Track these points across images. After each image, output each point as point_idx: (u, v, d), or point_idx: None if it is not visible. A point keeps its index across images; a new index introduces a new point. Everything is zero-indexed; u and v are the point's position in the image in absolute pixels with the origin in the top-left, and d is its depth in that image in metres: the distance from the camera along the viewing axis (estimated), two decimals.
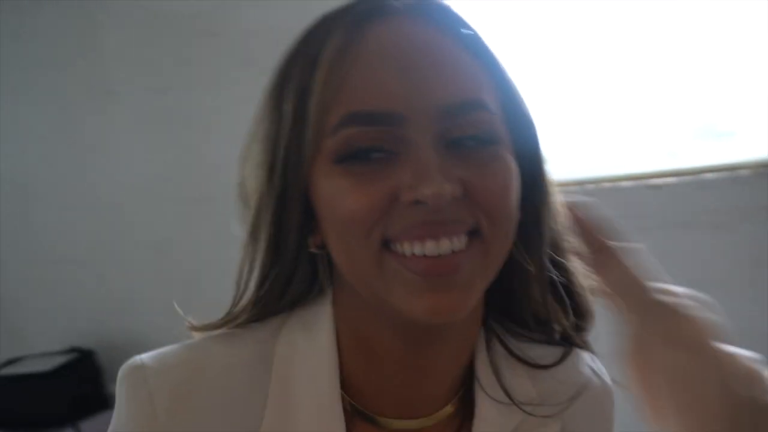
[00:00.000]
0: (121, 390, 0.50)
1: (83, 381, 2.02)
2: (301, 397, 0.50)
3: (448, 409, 0.53)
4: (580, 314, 0.56)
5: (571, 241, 0.54)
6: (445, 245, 0.44)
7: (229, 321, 0.52)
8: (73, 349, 2.07)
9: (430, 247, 0.44)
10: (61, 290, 2.19)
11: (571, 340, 0.57)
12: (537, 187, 0.50)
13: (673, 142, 1.96)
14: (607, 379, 0.60)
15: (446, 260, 0.44)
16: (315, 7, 0.50)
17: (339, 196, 0.45)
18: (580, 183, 1.86)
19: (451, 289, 0.44)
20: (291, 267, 0.50)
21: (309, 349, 0.51)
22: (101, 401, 2.03)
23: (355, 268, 0.47)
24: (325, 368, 0.50)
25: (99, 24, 2.11)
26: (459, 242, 0.44)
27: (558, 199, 0.53)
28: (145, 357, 0.50)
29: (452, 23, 0.47)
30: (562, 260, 0.53)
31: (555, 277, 0.53)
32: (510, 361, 0.54)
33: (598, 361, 0.61)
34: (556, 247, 0.53)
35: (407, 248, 0.44)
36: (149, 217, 2.13)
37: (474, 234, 0.45)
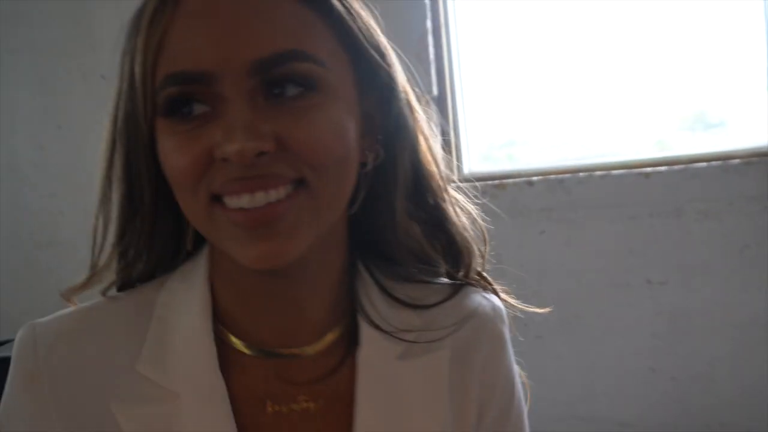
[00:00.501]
0: (14, 347, 0.53)
1: None
2: (176, 332, 0.53)
3: (329, 337, 0.55)
4: (457, 251, 0.58)
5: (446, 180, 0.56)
6: (260, 197, 0.45)
7: (92, 278, 0.55)
8: None
9: (245, 200, 0.45)
10: (47, 274, 2.17)
11: (458, 278, 0.59)
12: (394, 129, 0.52)
13: (664, 131, 1.98)
14: (498, 302, 0.62)
15: (264, 211, 0.45)
16: None
17: (168, 153, 0.47)
18: (573, 171, 1.88)
19: (273, 238, 0.46)
20: (150, 221, 0.52)
21: (185, 292, 0.54)
22: None
23: (193, 220, 0.50)
24: (197, 303, 0.53)
25: (93, 8, 2.11)
26: (276, 194, 0.45)
27: (430, 143, 0.55)
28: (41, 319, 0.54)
29: None
30: (434, 200, 0.55)
31: (426, 216, 0.56)
32: (380, 291, 0.57)
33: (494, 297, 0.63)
34: (426, 188, 0.55)
35: (228, 202, 0.46)
36: None
37: (300, 183, 0.46)
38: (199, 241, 0.56)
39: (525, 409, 0.63)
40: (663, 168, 1.84)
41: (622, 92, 1.94)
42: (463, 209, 0.59)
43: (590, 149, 1.94)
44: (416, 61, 2.00)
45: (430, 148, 0.55)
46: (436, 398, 0.55)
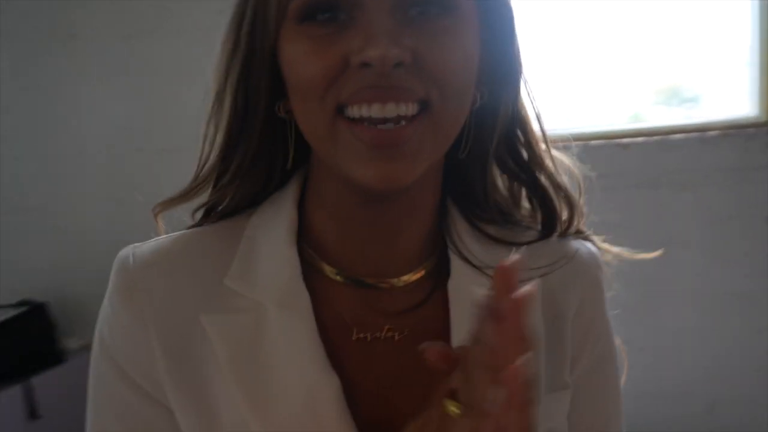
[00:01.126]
0: (114, 264, 0.55)
1: (35, 335, 1.93)
2: (263, 248, 0.53)
3: (420, 270, 0.54)
4: (552, 208, 0.57)
5: (546, 136, 0.55)
6: (391, 108, 0.45)
7: (193, 189, 0.55)
8: (23, 302, 1.97)
9: (375, 109, 0.45)
10: (13, 240, 2.10)
11: (551, 230, 0.58)
12: (505, 72, 0.51)
13: (639, 105, 1.98)
14: (595, 250, 0.60)
15: (393, 132, 0.45)
16: None
17: (297, 59, 0.46)
18: (552, 141, 1.87)
19: (397, 159, 0.46)
20: (258, 138, 0.52)
21: (275, 213, 0.54)
22: (54, 356, 1.94)
23: (312, 133, 0.49)
24: (284, 224, 0.53)
25: None
26: (406, 108, 0.45)
27: (533, 96, 0.54)
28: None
29: None
30: (530, 153, 0.55)
31: (519, 170, 0.55)
32: (482, 236, 0.57)
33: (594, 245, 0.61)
34: (523, 139, 0.54)
35: (356, 111, 0.45)
36: (111, 168, 2.06)
37: (424, 105, 0.46)
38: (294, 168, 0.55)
39: (621, 375, 0.62)
40: (641, 139, 1.85)
41: (599, 65, 1.93)
42: (560, 165, 0.57)
43: (568, 120, 1.93)
44: None
45: (532, 101, 0.55)
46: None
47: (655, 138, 1.84)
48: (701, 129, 1.82)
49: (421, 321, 0.53)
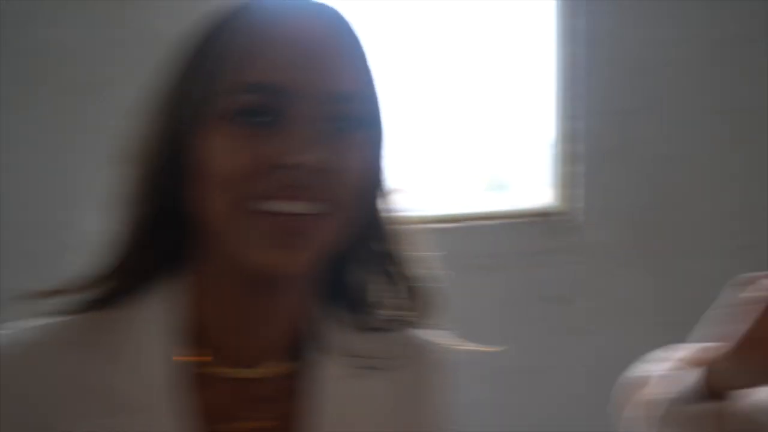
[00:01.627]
0: None
1: None
2: (145, 349, 0.55)
3: (292, 358, 0.59)
4: (414, 297, 0.62)
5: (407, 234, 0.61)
6: (299, 206, 0.51)
7: (82, 287, 0.56)
8: None
9: (286, 206, 0.50)
10: None
11: (405, 322, 0.64)
12: (376, 182, 0.58)
13: (461, 191, 2.07)
14: (444, 341, 0.66)
15: (297, 223, 0.51)
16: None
17: (220, 153, 0.51)
18: None
19: (293, 247, 0.51)
20: (158, 235, 0.55)
21: (161, 310, 0.56)
22: None
23: (219, 224, 0.52)
24: (168, 320, 0.56)
25: None
26: (311, 207, 0.51)
27: (395, 195, 0.60)
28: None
29: (346, 23, 0.55)
30: (396, 251, 0.60)
31: (387, 266, 0.61)
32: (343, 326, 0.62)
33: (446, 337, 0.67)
34: (390, 239, 0.60)
35: (268, 206, 0.50)
36: None
37: (328, 206, 0.52)
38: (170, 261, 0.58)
39: None
40: (450, 224, 1.90)
41: (421, 152, 2.00)
42: (418, 259, 0.62)
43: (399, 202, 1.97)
44: None
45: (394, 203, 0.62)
46: (381, 417, 0.60)
47: (468, 223, 1.90)
48: (509, 216, 1.91)
49: (293, 406, 0.58)
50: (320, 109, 0.51)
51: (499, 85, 2.00)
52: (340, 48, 0.54)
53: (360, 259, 0.60)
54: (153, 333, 0.55)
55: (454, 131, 1.98)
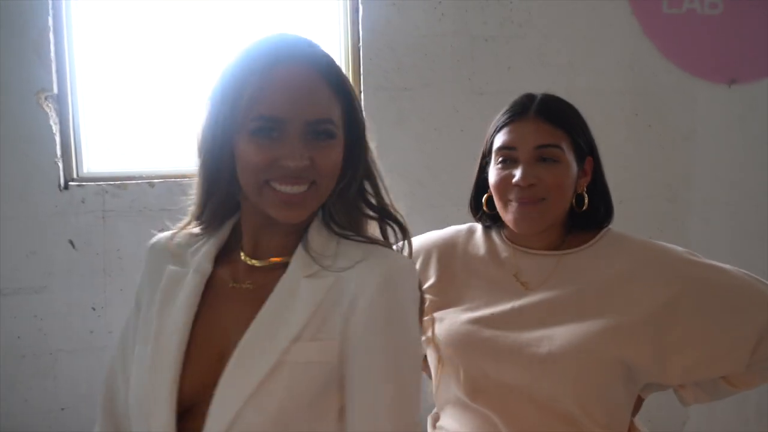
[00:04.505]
0: None
1: None
2: (207, 243, 0.97)
3: (279, 258, 0.92)
4: (392, 220, 0.94)
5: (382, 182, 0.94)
6: (295, 189, 0.85)
7: (189, 222, 0.97)
8: None
9: (288, 189, 0.85)
10: None
11: (374, 241, 0.92)
12: (358, 160, 0.91)
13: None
14: (404, 266, 0.90)
15: (295, 197, 0.85)
16: None
17: (248, 153, 0.84)
18: (192, 175, 2.10)
19: (295, 209, 0.86)
20: (224, 191, 0.91)
21: (221, 227, 0.98)
22: None
23: (250, 193, 0.87)
24: (223, 231, 0.97)
25: None
26: (301, 188, 0.85)
27: (374, 165, 0.94)
28: None
29: (323, 66, 0.87)
30: (376, 190, 0.94)
31: (370, 199, 0.93)
32: (330, 237, 0.92)
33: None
34: (369, 179, 0.94)
35: (277, 186, 0.85)
36: None
37: (313, 184, 0.86)
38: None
39: (406, 374, 0.86)
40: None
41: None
42: (389, 199, 0.95)
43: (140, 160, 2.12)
44: (36, 57, 2.11)
45: (377, 169, 0.94)
46: (304, 310, 0.84)
47: None
48: None
49: (267, 282, 0.88)
50: (304, 130, 0.84)
51: None
52: (317, 87, 0.85)
53: (346, 199, 0.91)
54: (214, 239, 0.95)
55: None
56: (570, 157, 1.16)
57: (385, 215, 0.94)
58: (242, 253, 0.94)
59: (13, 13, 1.91)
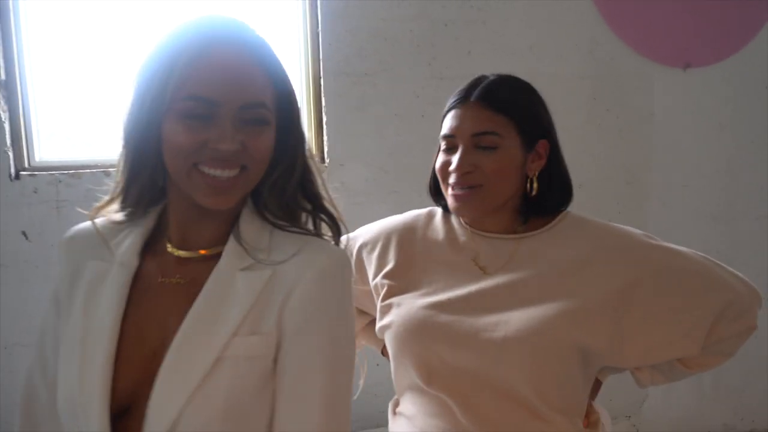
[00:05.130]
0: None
1: None
2: (130, 235, 0.92)
3: (210, 249, 0.89)
4: (318, 215, 0.92)
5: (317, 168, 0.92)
6: (225, 173, 0.81)
7: (108, 203, 0.92)
8: None
9: (217, 172, 0.81)
10: None
11: (308, 233, 0.90)
12: (294, 150, 0.89)
13: None
14: (334, 259, 0.87)
15: (224, 182, 0.82)
16: None
17: (175, 135, 0.80)
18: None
19: (223, 195, 0.83)
20: (148, 175, 0.87)
21: (147, 215, 0.93)
22: None
23: (177, 177, 0.84)
24: (150, 220, 0.92)
25: None
26: (232, 173, 0.82)
27: (311, 155, 0.91)
28: None
29: (256, 48, 0.83)
30: (313, 181, 0.91)
31: (307, 191, 0.91)
32: (263, 228, 0.89)
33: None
34: (305, 171, 0.90)
35: (206, 170, 0.81)
36: None
37: (243, 169, 0.83)
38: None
39: (340, 360, 0.85)
40: None
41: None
42: (326, 192, 0.93)
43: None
44: None
45: (314, 159, 0.92)
46: (242, 304, 0.82)
47: None
48: None
49: (198, 275, 0.85)
50: (236, 113, 0.80)
51: None
52: (252, 71, 0.81)
53: (279, 188, 0.88)
54: (139, 229, 0.90)
55: None
56: (512, 142, 1.15)
57: (320, 209, 0.92)
58: (169, 245, 0.90)
59: None
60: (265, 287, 0.83)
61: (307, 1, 2.16)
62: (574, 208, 1.27)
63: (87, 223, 0.93)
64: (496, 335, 1.10)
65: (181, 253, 0.88)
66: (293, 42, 2.21)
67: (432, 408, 1.14)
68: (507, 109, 1.15)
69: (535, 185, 1.19)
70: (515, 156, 1.17)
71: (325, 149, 2.21)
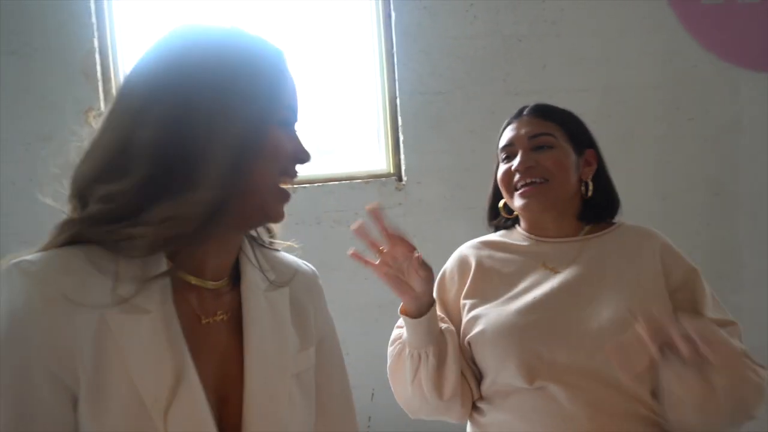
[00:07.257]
0: (7, 280, 0.67)
1: None
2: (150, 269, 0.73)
3: (226, 279, 0.81)
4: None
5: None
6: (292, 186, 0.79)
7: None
8: None
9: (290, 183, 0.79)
10: None
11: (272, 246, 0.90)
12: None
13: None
14: (312, 268, 0.93)
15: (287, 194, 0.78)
16: None
17: (280, 142, 0.76)
18: None
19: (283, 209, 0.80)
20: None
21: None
22: None
23: (264, 189, 0.76)
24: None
25: None
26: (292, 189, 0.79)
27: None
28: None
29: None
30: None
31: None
32: (255, 248, 0.86)
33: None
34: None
35: (286, 180, 0.77)
36: None
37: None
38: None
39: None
40: (306, 185, 2.22)
41: None
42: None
43: None
44: (83, 77, 2.17)
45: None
46: (285, 322, 0.82)
47: (316, 184, 2.23)
48: (349, 178, 2.25)
49: (230, 306, 0.79)
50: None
51: (333, 75, 2.30)
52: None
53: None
54: (157, 261, 0.72)
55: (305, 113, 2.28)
56: (565, 143, 1.27)
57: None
58: (193, 278, 0.77)
59: (60, 36, 2.00)
60: (292, 305, 0.86)
61: (382, 23, 2.23)
62: (659, 220, 1.27)
63: (51, 256, 0.70)
64: (591, 327, 1.14)
65: (212, 284, 0.78)
66: (369, 64, 2.28)
67: (536, 404, 1.17)
68: (556, 119, 1.29)
69: (590, 186, 1.28)
70: (570, 154, 1.27)
71: (403, 167, 2.25)
